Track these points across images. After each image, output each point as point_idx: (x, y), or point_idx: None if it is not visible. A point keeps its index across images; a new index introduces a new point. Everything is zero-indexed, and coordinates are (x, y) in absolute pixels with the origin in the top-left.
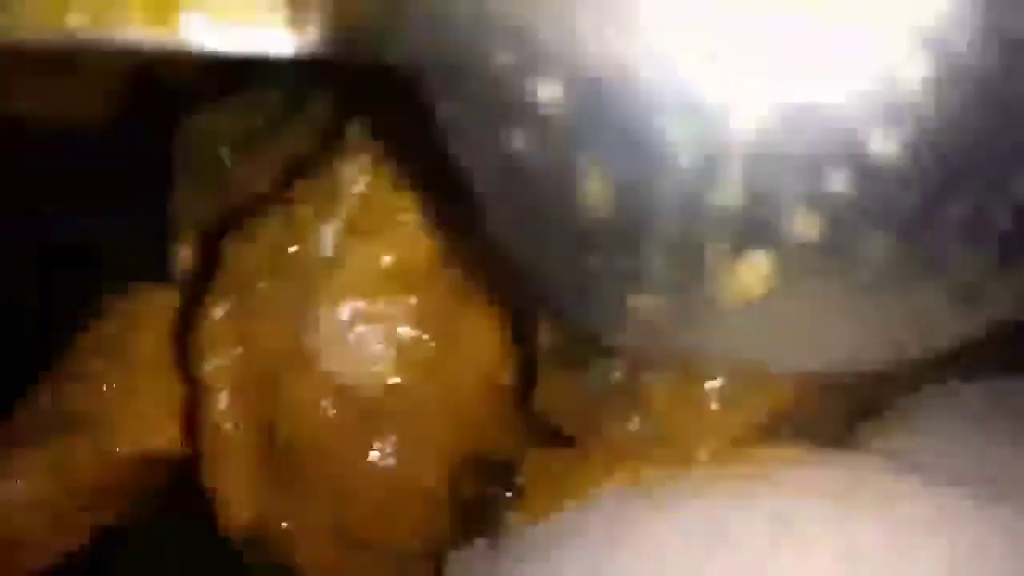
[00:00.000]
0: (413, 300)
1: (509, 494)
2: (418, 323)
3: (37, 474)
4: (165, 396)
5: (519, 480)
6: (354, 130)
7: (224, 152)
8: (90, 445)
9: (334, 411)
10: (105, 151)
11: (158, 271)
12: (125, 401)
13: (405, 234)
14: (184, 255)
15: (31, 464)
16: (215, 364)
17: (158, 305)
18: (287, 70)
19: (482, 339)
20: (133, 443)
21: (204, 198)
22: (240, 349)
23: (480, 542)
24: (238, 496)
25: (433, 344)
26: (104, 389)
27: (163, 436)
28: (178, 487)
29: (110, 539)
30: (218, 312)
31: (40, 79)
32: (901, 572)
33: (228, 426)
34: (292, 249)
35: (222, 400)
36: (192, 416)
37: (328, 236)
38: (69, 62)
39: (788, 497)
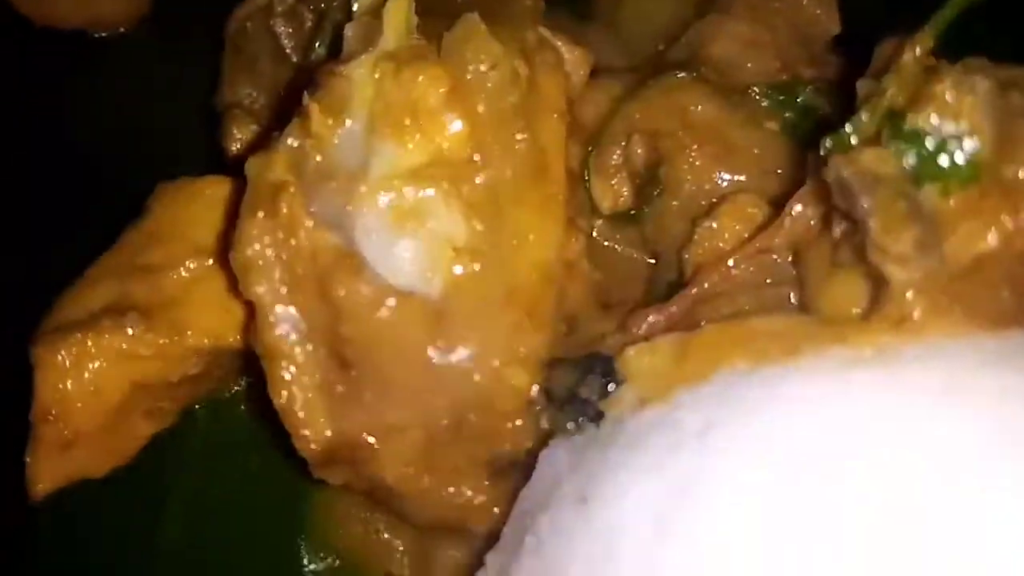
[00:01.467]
0: (458, 191)
1: (611, 386)
2: (467, 215)
3: (102, 363)
4: (232, 284)
5: (618, 371)
6: (356, 30)
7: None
8: (157, 336)
9: (397, 315)
10: (140, 47)
11: (208, 160)
12: (191, 290)
13: (435, 126)
14: (235, 144)
15: (94, 352)
16: (263, 285)
17: (213, 194)
18: None
19: (538, 222)
20: (204, 334)
21: (253, 88)
22: (284, 265)
23: (579, 438)
24: (313, 416)
25: (487, 235)
26: (167, 279)
27: (234, 326)
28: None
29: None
30: (253, 231)
31: None
32: None
33: (288, 346)
34: (317, 159)
35: (277, 321)
36: (251, 333)
37: (348, 142)
38: None
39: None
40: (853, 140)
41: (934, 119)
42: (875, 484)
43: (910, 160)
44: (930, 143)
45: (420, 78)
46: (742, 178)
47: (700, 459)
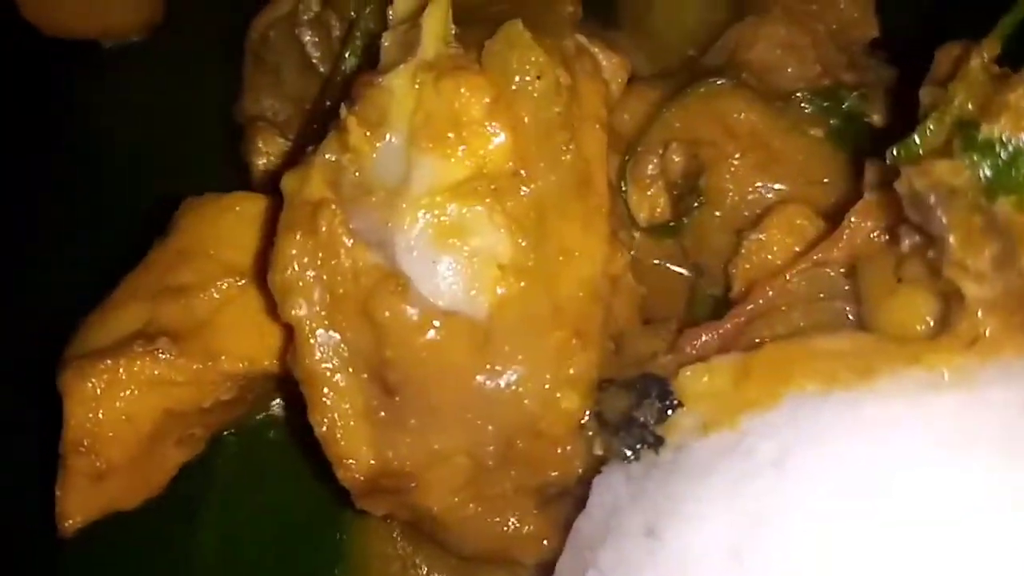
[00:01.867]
0: (502, 206)
1: (669, 411)
2: (512, 231)
3: (133, 390)
4: (267, 306)
5: (674, 395)
6: (393, 39)
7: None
8: (190, 362)
9: (442, 337)
10: (152, 57)
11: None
12: (223, 312)
13: (479, 138)
14: (261, 158)
15: (125, 380)
16: (303, 307)
17: (243, 210)
18: None
19: (583, 236)
20: (238, 359)
21: (277, 99)
22: (324, 286)
23: (636, 465)
24: (356, 444)
25: (532, 251)
26: (198, 300)
27: (269, 350)
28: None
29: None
30: (291, 250)
31: None
32: None
33: (329, 371)
34: (355, 174)
35: (317, 345)
36: (291, 357)
37: (388, 156)
38: None
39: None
40: (920, 150)
41: (1008, 129)
42: (958, 512)
43: (985, 172)
44: (1004, 154)
45: (462, 89)
46: (785, 187)
47: (776, 486)
